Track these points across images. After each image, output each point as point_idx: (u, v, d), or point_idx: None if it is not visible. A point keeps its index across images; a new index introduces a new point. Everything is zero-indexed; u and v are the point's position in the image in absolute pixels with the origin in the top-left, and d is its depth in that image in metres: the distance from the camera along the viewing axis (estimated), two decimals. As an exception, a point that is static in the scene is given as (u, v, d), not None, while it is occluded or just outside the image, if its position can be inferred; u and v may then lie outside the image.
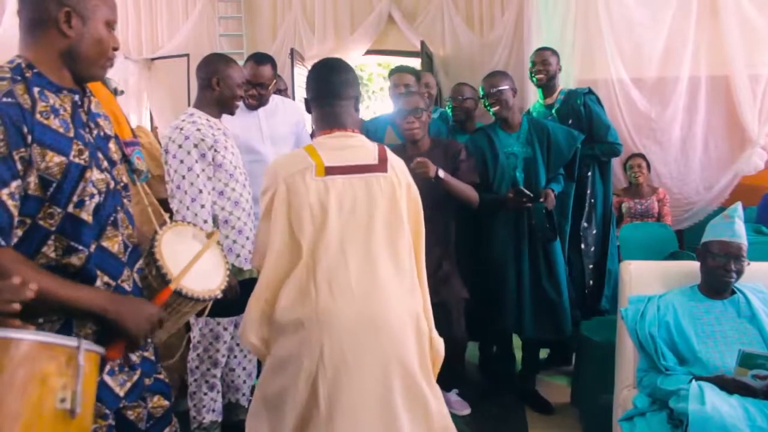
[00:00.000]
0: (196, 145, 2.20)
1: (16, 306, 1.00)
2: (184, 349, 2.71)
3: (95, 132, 1.35)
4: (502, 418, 2.87)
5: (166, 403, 1.50)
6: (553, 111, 3.30)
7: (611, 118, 3.56)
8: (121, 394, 1.35)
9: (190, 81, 5.19)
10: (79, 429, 1.03)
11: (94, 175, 1.28)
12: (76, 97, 1.31)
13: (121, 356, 1.34)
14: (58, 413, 0.97)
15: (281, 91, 3.28)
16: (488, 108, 2.93)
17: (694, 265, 2.16)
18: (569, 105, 3.26)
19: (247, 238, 2.38)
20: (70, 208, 1.24)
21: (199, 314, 1.63)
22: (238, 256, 2.36)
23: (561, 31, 4.27)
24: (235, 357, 2.58)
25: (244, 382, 2.63)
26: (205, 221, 2.18)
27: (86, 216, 1.26)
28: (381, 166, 1.67)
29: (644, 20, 4.18)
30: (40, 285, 1.11)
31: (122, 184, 1.42)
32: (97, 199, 1.28)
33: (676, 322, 2.03)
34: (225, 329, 2.41)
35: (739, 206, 2.10)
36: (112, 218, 1.34)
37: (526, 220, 2.84)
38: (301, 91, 5.13)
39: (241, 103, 2.48)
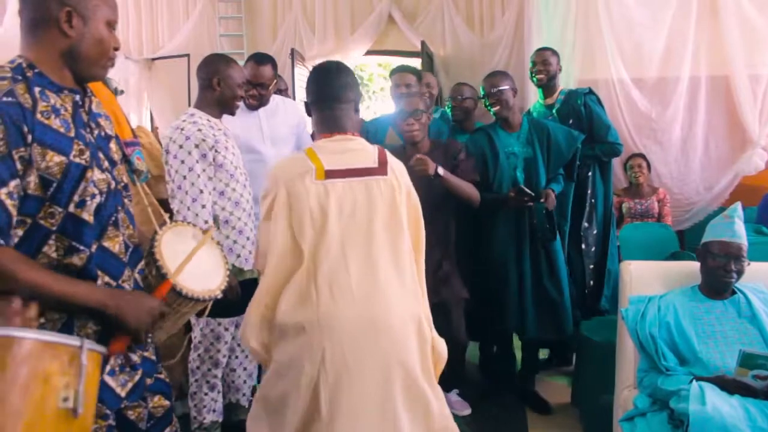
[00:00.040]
0: (197, 146, 2.20)
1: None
2: (185, 349, 2.72)
3: (96, 132, 1.35)
4: (502, 418, 2.87)
5: (166, 402, 1.50)
6: (554, 111, 3.30)
7: (612, 118, 3.56)
8: (123, 394, 1.35)
9: (191, 81, 5.18)
10: (80, 428, 1.03)
11: (95, 175, 1.28)
12: (77, 97, 1.31)
13: (124, 351, 1.34)
14: (60, 412, 0.98)
15: (281, 91, 3.28)
16: (489, 108, 2.93)
17: (695, 266, 2.16)
18: (570, 105, 3.26)
19: (248, 239, 2.38)
20: (71, 208, 1.24)
21: (200, 314, 1.63)
22: (238, 256, 2.36)
23: (561, 31, 4.27)
24: (236, 357, 2.58)
25: (245, 382, 2.64)
26: (206, 222, 2.18)
27: (87, 216, 1.26)
28: (381, 169, 1.67)
29: (644, 20, 4.18)
30: (40, 282, 1.12)
31: (123, 184, 1.42)
32: (98, 199, 1.28)
33: (677, 323, 2.03)
34: (226, 329, 2.41)
35: (738, 206, 2.10)
36: (113, 218, 1.34)
37: (527, 220, 2.84)
38: (301, 91, 5.12)
39: (241, 104, 2.49)
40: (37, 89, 1.21)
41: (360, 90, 1.85)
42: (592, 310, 3.20)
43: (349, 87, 1.74)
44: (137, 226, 1.50)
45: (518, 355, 3.11)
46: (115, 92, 2.48)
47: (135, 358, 1.40)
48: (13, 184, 1.14)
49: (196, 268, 1.47)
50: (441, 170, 2.53)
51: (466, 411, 2.87)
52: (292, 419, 1.54)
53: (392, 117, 2.97)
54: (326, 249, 1.58)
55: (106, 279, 1.31)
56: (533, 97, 3.82)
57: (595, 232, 3.29)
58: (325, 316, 1.54)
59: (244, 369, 2.62)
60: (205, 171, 2.23)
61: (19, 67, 1.22)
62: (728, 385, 1.79)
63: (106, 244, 1.32)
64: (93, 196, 1.27)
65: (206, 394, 2.43)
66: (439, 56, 5.06)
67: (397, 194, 1.67)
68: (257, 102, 2.74)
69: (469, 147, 2.88)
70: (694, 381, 1.82)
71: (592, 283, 3.27)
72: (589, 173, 3.26)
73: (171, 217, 1.97)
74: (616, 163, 3.86)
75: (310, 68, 5.36)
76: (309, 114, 1.79)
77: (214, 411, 2.46)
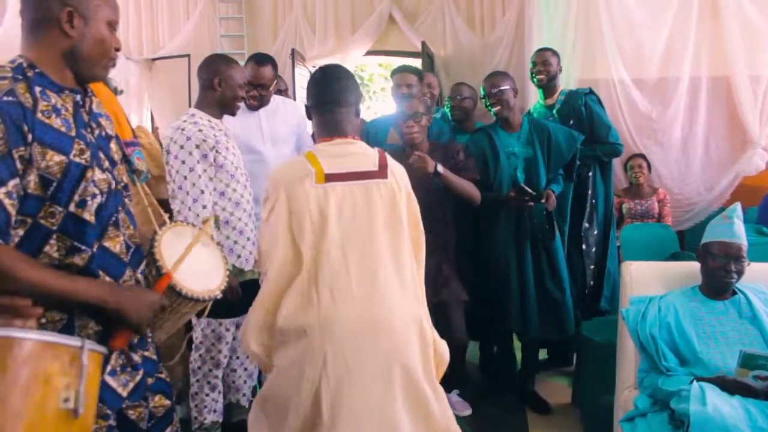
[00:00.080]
0: (197, 146, 2.20)
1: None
2: (185, 350, 2.72)
3: (97, 132, 1.35)
4: (502, 418, 2.87)
5: (167, 402, 1.50)
6: (554, 112, 3.30)
7: (612, 118, 3.56)
8: (124, 394, 1.35)
9: (191, 81, 5.18)
10: (81, 429, 1.03)
11: (96, 175, 1.28)
12: (78, 97, 1.31)
13: (126, 346, 1.34)
14: (61, 413, 0.97)
15: (282, 92, 3.28)
16: (489, 108, 2.93)
17: (695, 266, 2.16)
18: (570, 105, 3.26)
19: (248, 239, 2.38)
20: (72, 208, 1.24)
21: (199, 314, 1.63)
22: (239, 256, 2.36)
23: (562, 32, 4.27)
24: (237, 358, 2.58)
25: (245, 382, 2.64)
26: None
27: (89, 216, 1.26)
28: (381, 172, 1.67)
29: (645, 21, 4.18)
30: (39, 280, 1.11)
31: (123, 184, 1.42)
32: (99, 199, 1.28)
33: (677, 323, 2.03)
34: (227, 330, 2.41)
35: (738, 207, 2.10)
36: (113, 218, 1.34)
37: (527, 220, 2.84)
38: (301, 91, 5.12)
39: (242, 104, 2.49)
40: (37, 89, 1.21)
41: (361, 93, 1.85)
42: (591, 311, 3.20)
43: (350, 90, 1.74)
44: (137, 227, 1.50)
45: (518, 355, 3.10)
46: (115, 92, 2.48)
47: (136, 357, 1.40)
48: (12, 183, 1.14)
49: (196, 269, 1.47)
50: (440, 168, 2.53)
51: (467, 411, 2.87)
52: (294, 423, 1.54)
53: (393, 117, 2.97)
54: (327, 253, 1.58)
55: (107, 279, 1.31)
56: (533, 98, 3.82)
57: (595, 232, 3.29)
58: (326, 320, 1.54)
59: (245, 369, 2.62)
60: (206, 171, 2.23)
61: (20, 67, 1.23)
62: (729, 386, 1.78)
63: (106, 244, 1.32)
64: (94, 195, 1.27)
65: (207, 394, 2.43)
66: (439, 57, 5.07)
67: (398, 197, 1.67)
68: (258, 102, 2.74)
69: (470, 147, 2.88)
70: (694, 381, 1.81)
71: (592, 283, 3.27)
72: (590, 174, 3.26)
73: (171, 218, 1.97)
74: (617, 163, 3.86)
75: (311, 68, 5.38)
76: (310, 118, 1.79)
77: (214, 411, 2.46)
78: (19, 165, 1.15)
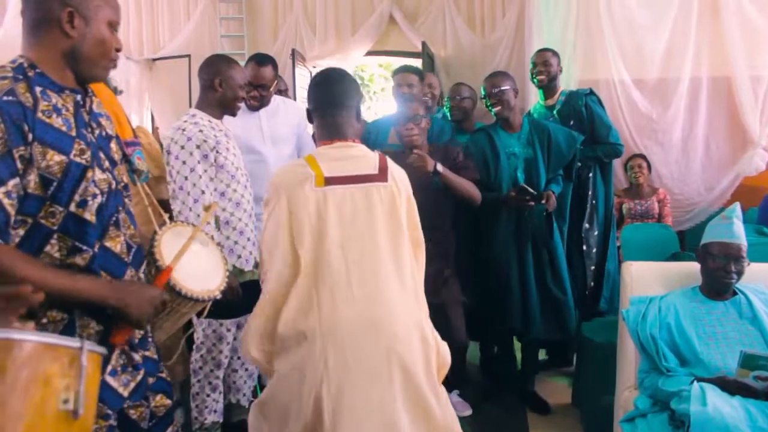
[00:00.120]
0: (198, 147, 2.20)
1: (21, 310, 1.01)
2: (185, 351, 2.72)
3: (97, 132, 1.35)
4: (503, 418, 2.87)
5: (168, 402, 1.50)
6: (555, 112, 3.29)
7: (612, 119, 3.56)
8: (125, 394, 1.35)
9: (192, 82, 5.18)
10: (81, 430, 1.03)
11: (96, 175, 1.28)
12: (79, 97, 1.31)
13: (127, 341, 1.34)
14: (60, 414, 0.97)
15: (282, 92, 3.28)
16: (490, 108, 2.93)
17: (696, 266, 2.16)
18: (570, 106, 3.26)
19: (248, 239, 2.38)
20: (73, 208, 1.24)
21: (199, 314, 1.63)
22: (239, 257, 2.36)
23: (562, 32, 4.26)
24: (238, 358, 2.58)
25: (245, 382, 2.64)
26: (208, 223, 2.18)
27: (89, 216, 1.26)
28: (381, 175, 1.67)
29: (646, 21, 4.18)
30: (39, 278, 1.12)
31: (123, 184, 1.42)
32: (99, 199, 1.29)
33: (678, 324, 2.03)
34: (228, 330, 2.41)
35: (737, 207, 2.09)
36: (114, 218, 1.35)
37: (527, 220, 2.84)
38: (302, 91, 5.12)
39: (242, 104, 2.49)
40: (38, 89, 1.21)
41: (362, 96, 1.85)
42: (591, 312, 3.20)
43: (350, 93, 1.75)
44: (137, 226, 1.50)
45: (518, 355, 3.10)
46: (115, 91, 2.48)
47: (137, 357, 1.41)
48: (11, 183, 1.14)
49: (196, 269, 1.48)
50: (440, 167, 2.53)
51: (467, 412, 2.87)
52: (294, 430, 1.54)
53: (394, 117, 2.97)
54: (327, 257, 1.58)
55: (108, 279, 1.31)
56: (534, 98, 3.82)
57: (596, 233, 3.29)
58: (328, 323, 1.54)
59: (246, 369, 2.62)
60: (207, 172, 2.23)
61: (21, 67, 1.23)
62: (729, 386, 1.78)
63: (107, 244, 1.32)
64: (94, 195, 1.27)
65: (208, 395, 2.43)
66: (439, 57, 5.06)
67: (397, 201, 1.67)
68: (258, 103, 2.74)
69: (470, 147, 2.87)
70: (695, 382, 1.81)
71: (592, 284, 3.27)
72: (590, 174, 3.26)
73: (171, 218, 1.97)
74: (617, 163, 3.86)
75: (311, 69, 5.38)
76: (311, 121, 1.79)
77: (215, 411, 2.46)
78: (19, 165, 1.15)
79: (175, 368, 2.93)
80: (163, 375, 1.52)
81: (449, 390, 2.86)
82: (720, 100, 4.18)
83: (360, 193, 1.64)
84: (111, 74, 1.43)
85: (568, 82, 3.96)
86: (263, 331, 1.62)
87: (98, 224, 1.29)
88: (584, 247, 3.25)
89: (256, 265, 2.38)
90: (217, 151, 2.25)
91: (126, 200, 1.43)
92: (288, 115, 2.92)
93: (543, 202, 2.75)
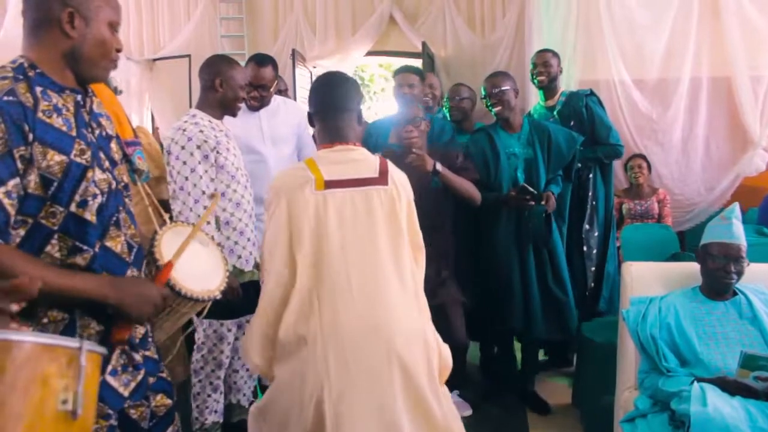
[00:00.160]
0: (198, 147, 2.20)
1: (15, 306, 1.01)
2: (185, 351, 2.72)
3: (97, 132, 1.35)
4: (503, 419, 2.88)
5: (168, 401, 1.50)
6: (555, 113, 3.30)
7: (613, 119, 3.56)
8: (126, 393, 1.35)
9: (192, 82, 5.18)
10: (80, 430, 1.03)
11: (97, 175, 1.28)
12: (79, 97, 1.31)
13: (127, 338, 1.35)
14: (59, 414, 0.97)
15: (282, 92, 3.28)
16: (490, 108, 2.93)
17: (696, 267, 2.16)
18: (571, 106, 3.26)
19: (248, 240, 2.38)
20: (73, 208, 1.24)
21: (198, 314, 1.63)
22: (239, 257, 2.36)
23: (562, 33, 4.27)
24: (239, 358, 2.58)
25: (245, 382, 2.64)
26: (208, 223, 2.18)
27: (90, 216, 1.26)
28: (381, 179, 1.67)
29: (646, 21, 4.18)
30: (40, 277, 1.11)
31: (123, 184, 1.42)
32: (99, 199, 1.28)
33: (678, 324, 2.03)
34: (229, 330, 2.41)
35: (736, 207, 2.09)
36: (114, 218, 1.35)
37: (527, 220, 2.84)
38: (302, 91, 5.12)
39: (242, 104, 2.49)
40: (38, 89, 1.21)
41: (363, 99, 1.85)
42: (591, 312, 3.20)
43: (351, 97, 1.75)
44: (138, 226, 1.50)
45: (518, 356, 3.10)
46: (115, 91, 2.48)
47: (138, 357, 1.40)
48: (12, 183, 1.14)
49: (196, 269, 1.47)
50: (439, 166, 2.53)
51: (467, 412, 2.87)
52: None
53: (394, 118, 2.97)
54: (327, 260, 1.58)
55: (108, 276, 1.31)
56: (534, 99, 3.82)
57: (596, 234, 3.29)
58: (328, 327, 1.54)
59: (246, 369, 2.62)
60: (207, 172, 2.23)
61: (21, 67, 1.23)
62: (729, 387, 1.78)
63: (108, 244, 1.32)
64: (94, 195, 1.27)
65: (209, 395, 2.44)
66: (440, 57, 5.06)
67: (397, 204, 1.67)
68: (258, 103, 2.74)
69: (470, 147, 2.87)
70: (695, 382, 1.81)
71: (592, 285, 3.27)
72: (590, 175, 3.26)
73: (171, 218, 1.97)
74: (617, 164, 3.86)
75: (311, 69, 5.38)
76: (312, 124, 1.79)
77: (215, 412, 2.47)
78: (19, 164, 1.15)
79: (176, 369, 2.93)
80: (164, 375, 1.52)
81: (450, 390, 2.86)
82: (720, 100, 4.19)
83: (360, 197, 1.64)
84: (111, 74, 1.43)
85: (568, 82, 3.96)
86: (265, 337, 1.62)
87: (99, 224, 1.29)
88: (584, 248, 3.25)
89: (256, 266, 2.38)
90: (218, 152, 2.25)
91: (126, 200, 1.43)
92: (288, 115, 2.92)
93: (542, 203, 2.75)
